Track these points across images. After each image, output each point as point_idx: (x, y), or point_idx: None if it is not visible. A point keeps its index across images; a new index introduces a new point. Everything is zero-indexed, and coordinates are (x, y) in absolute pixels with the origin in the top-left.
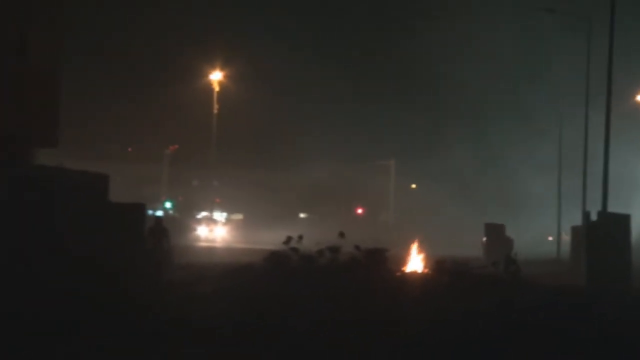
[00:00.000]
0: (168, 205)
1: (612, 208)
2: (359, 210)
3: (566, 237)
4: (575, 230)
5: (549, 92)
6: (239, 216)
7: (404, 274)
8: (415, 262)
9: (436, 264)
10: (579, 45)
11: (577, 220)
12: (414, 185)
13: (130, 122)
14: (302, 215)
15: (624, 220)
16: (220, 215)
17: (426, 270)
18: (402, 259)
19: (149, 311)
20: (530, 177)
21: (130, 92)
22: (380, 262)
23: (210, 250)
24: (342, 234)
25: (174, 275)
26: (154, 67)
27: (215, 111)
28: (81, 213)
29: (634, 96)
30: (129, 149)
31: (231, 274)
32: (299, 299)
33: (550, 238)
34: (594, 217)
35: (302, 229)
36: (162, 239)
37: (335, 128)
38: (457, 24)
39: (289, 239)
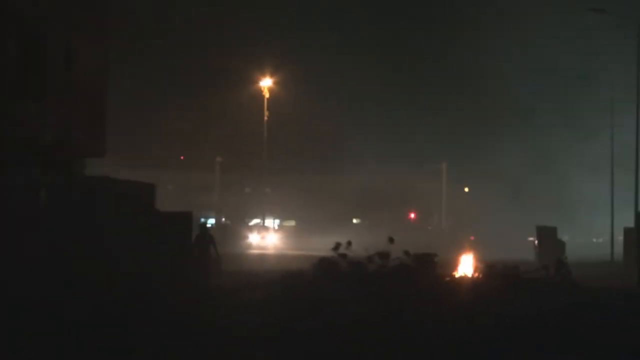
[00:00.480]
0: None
1: None
2: (412, 215)
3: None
4: (628, 231)
5: (600, 92)
6: (291, 223)
7: (453, 279)
8: (466, 267)
9: (486, 268)
10: (630, 45)
11: (632, 220)
12: (466, 189)
13: (184, 130)
14: (355, 220)
15: None
16: (272, 222)
17: (476, 275)
18: (453, 263)
19: (188, 316)
20: (583, 178)
21: (182, 99)
22: (429, 267)
23: (261, 257)
24: (391, 240)
25: (220, 282)
26: (204, 74)
27: (266, 118)
28: (124, 221)
29: None
30: (182, 157)
31: (279, 281)
32: (342, 304)
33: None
34: None
35: (355, 234)
36: (208, 246)
37: (385, 132)
38: (504, 27)
39: (337, 246)
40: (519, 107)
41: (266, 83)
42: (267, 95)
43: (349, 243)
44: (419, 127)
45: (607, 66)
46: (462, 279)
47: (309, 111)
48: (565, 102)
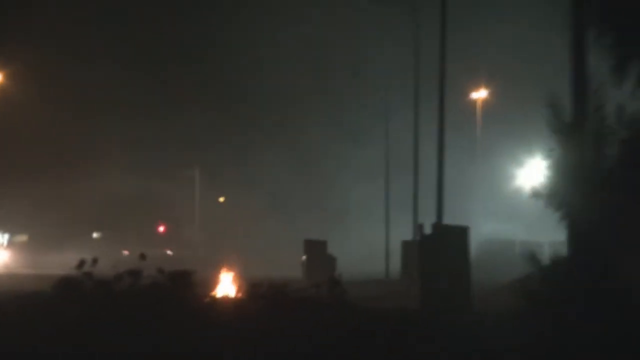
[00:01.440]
0: None
1: (448, 219)
2: (161, 228)
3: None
4: (406, 245)
5: (373, 89)
6: (23, 238)
7: (214, 299)
8: (227, 286)
9: (250, 287)
10: (408, 37)
11: (410, 232)
12: (222, 198)
13: None
14: (96, 234)
15: (461, 233)
16: (1, 237)
17: (239, 295)
18: (213, 282)
19: None
20: (355, 185)
21: None
22: (186, 286)
23: None
24: (142, 256)
25: None
26: None
27: None
28: None
29: (470, 94)
30: None
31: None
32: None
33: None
34: (427, 229)
35: (98, 249)
36: None
37: (131, 138)
38: (260, 17)
39: (81, 263)
40: (287, 108)
41: None
42: None
43: (95, 260)
44: (169, 131)
45: (383, 61)
46: (223, 299)
47: (52, 113)
48: (335, 102)
